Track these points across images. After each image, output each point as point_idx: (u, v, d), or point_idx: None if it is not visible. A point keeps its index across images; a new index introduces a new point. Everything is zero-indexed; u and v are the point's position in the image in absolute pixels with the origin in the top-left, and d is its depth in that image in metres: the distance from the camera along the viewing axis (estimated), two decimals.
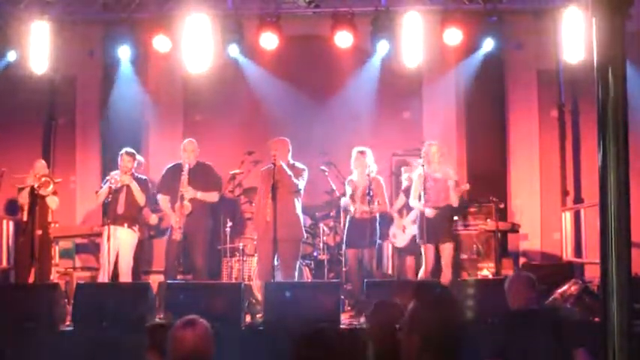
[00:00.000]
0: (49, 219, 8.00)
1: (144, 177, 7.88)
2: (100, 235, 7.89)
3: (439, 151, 7.42)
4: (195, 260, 7.49)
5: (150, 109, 9.80)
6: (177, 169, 7.65)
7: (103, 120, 9.73)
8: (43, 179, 7.74)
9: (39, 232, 7.65)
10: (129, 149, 7.75)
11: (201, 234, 7.55)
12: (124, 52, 9.21)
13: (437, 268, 7.33)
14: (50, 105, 9.73)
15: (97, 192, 7.87)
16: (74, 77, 9.75)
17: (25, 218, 7.79)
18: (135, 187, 7.56)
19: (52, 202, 7.87)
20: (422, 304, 2.36)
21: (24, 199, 7.77)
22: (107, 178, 7.70)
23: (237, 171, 8.65)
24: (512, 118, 9.48)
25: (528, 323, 3.97)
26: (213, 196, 7.64)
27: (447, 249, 7.34)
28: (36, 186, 7.64)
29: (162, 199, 7.65)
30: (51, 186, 7.78)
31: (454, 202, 7.39)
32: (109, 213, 7.56)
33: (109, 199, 7.49)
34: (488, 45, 9.01)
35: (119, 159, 7.72)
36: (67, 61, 9.64)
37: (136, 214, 7.71)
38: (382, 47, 9.05)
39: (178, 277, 7.73)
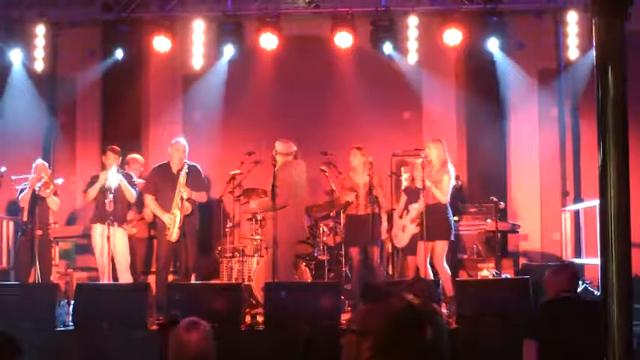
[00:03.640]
0: (50, 220, 7.98)
1: (129, 173, 7.86)
2: (88, 235, 7.85)
3: (436, 156, 7.49)
4: (189, 261, 7.48)
5: (150, 109, 9.80)
6: (164, 169, 7.62)
7: (103, 120, 9.73)
8: (43, 180, 7.71)
9: (39, 232, 7.63)
10: (114, 147, 7.74)
11: (194, 234, 7.58)
12: (123, 52, 9.23)
13: (427, 265, 7.34)
14: (50, 105, 9.73)
15: (84, 191, 7.79)
16: (74, 77, 9.75)
17: (25, 218, 7.78)
18: (124, 184, 7.54)
19: (53, 203, 7.85)
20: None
21: (24, 202, 7.74)
22: (98, 175, 7.62)
23: (236, 171, 8.65)
24: (512, 118, 9.48)
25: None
26: (203, 197, 7.68)
27: (438, 245, 7.35)
28: (37, 188, 7.62)
29: (150, 200, 7.60)
30: (51, 187, 7.76)
31: (440, 198, 7.43)
32: (97, 212, 7.55)
33: (95, 198, 7.52)
34: (488, 45, 9.02)
35: (103, 157, 7.70)
36: (67, 61, 9.66)
37: (125, 212, 7.71)
38: (383, 47, 9.09)
39: (170, 277, 7.70)
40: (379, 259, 7.87)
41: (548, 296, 4.28)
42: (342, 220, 8.52)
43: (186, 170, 7.47)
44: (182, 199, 7.39)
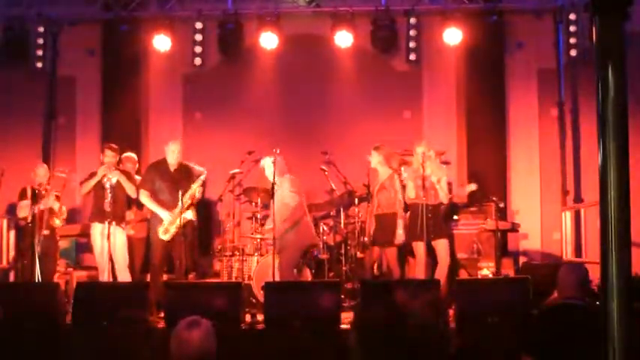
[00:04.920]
0: (54, 219, 7.91)
1: (125, 170, 7.82)
2: (87, 234, 7.82)
3: (425, 151, 7.44)
4: (188, 260, 7.45)
5: (150, 109, 9.80)
6: (162, 166, 7.56)
7: (103, 119, 9.73)
8: (43, 187, 7.66)
9: (46, 232, 7.58)
10: (111, 144, 7.71)
11: (193, 233, 7.55)
12: (123, 51, 9.24)
13: (428, 264, 7.30)
14: (50, 104, 9.73)
15: (81, 182, 7.74)
16: (74, 77, 9.76)
17: (29, 219, 7.71)
18: (124, 180, 7.51)
19: (56, 206, 7.81)
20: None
21: (24, 211, 7.69)
22: (97, 172, 7.58)
23: (236, 170, 8.65)
24: (512, 118, 9.48)
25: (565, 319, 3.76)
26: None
27: (440, 245, 7.32)
28: (40, 207, 7.56)
29: (145, 196, 7.56)
30: (52, 197, 7.72)
31: (443, 199, 7.43)
32: (96, 211, 7.52)
33: (93, 195, 7.49)
34: (488, 44, 9.03)
35: (101, 155, 7.66)
36: (67, 60, 9.67)
37: (123, 210, 7.67)
38: (382, 47, 9.11)
39: (164, 276, 7.66)
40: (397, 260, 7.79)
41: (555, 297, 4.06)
42: (344, 219, 8.54)
43: (203, 179, 7.44)
44: (190, 204, 7.32)
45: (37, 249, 7.41)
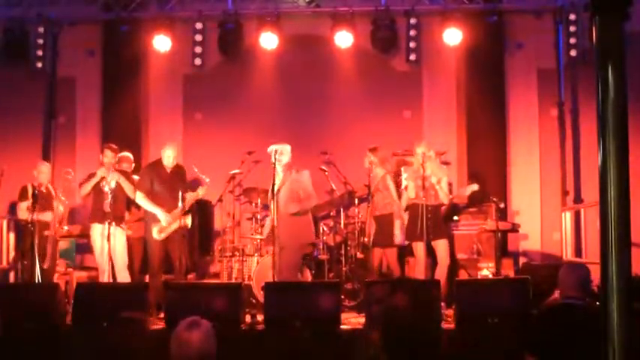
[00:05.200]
0: (56, 220, 7.90)
1: (124, 170, 7.79)
2: (86, 235, 7.81)
3: (425, 152, 7.42)
4: (187, 260, 7.44)
5: (150, 109, 9.80)
6: (158, 167, 7.54)
7: (103, 119, 9.73)
8: (44, 186, 7.65)
9: (46, 232, 7.58)
10: (111, 144, 7.69)
11: (190, 233, 7.53)
12: (123, 52, 9.24)
13: (428, 265, 7.29)
14: (50, 104, 9.73)
15: (80, 184, 7.73)
16: (74, 77, 9.76)
17: (30, 220, 7.70)
18: (124, 181, 7.49)
19: (60, 210, 7.80)
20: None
21: (24, 213, 7.67)
22: (96, 173, 7.56)
23: (236, 171, 8.64)
24: (512, 118, 9.48)
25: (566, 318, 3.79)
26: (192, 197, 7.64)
27: (440, 245, 7.31)
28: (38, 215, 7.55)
29: (142, 196, 7.51)
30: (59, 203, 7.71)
31: (444, 199, 7.42)
32: (96, 211, 7.50)
33: (92, 196, 7.47)
34: (488, 45, 9.03)
35: (101, 155, 7.64)
36: (67, 61, 9.67)
37: (123, 211, 7.65)
38: (382, 47, 9.10)
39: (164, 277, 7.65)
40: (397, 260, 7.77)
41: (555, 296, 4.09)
42: (344, 219, 8.54)
43: (205, 188, 7.46)
44: (184, 199, 7.31)
45: (48, 251, 7.44)
